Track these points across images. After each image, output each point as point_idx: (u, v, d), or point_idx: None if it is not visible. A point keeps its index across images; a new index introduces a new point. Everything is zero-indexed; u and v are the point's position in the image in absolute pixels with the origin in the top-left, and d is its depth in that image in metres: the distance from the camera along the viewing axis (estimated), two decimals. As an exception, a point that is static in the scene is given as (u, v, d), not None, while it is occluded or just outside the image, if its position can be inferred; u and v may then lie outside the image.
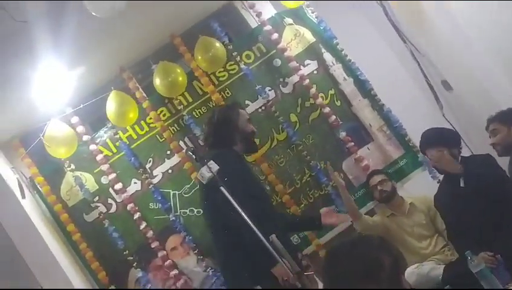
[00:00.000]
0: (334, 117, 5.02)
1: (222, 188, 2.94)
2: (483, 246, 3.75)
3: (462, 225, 3.92)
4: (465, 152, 4.43)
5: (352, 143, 5.01)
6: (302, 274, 2.94)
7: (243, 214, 2.89)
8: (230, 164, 3.26)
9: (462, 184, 3.90)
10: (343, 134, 5.02)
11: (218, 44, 4.87)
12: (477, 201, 3.82)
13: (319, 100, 5.02)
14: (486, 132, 4.08)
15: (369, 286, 1.61)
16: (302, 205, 4.96)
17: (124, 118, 4.86)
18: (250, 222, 2.88)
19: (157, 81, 4.80)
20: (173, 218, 4.90)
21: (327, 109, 5.03)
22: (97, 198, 4.98)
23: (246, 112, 3.75)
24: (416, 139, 4.63)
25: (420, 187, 4.85)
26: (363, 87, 5.15)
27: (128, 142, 5.04)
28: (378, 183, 4.64)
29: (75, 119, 4.98)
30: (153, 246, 4.88)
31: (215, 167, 3.02)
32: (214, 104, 4.98)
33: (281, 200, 4.89)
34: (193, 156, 3.14)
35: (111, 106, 4.80)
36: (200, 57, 4.88)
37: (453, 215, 4.03)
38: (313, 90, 5.05)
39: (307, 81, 5.05)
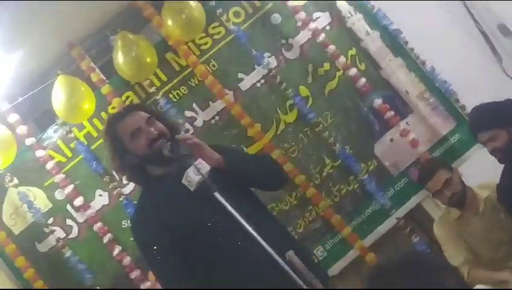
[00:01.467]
0: (363, 81, 4.81)
1: (216, 194, 2.74)
2: None
3: None
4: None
5: (392, 112, 4.82)
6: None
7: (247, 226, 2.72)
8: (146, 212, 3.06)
9: None
10: (378, 102, 4.81)
11: (192, 2, 4.68)
12: None
13: (341, 61, 4.83)
14: None
15: None
16: (328, 203, 4.74)
17: (78, 112, 4.65)
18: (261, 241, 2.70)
19: (119, 59, 4.59)
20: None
21: (352, 71, 4.81)
22: (51, 220, 4.75)
23: (132, 119, 3.19)
24: (471, 105, 4.26)
25: (481, 171, 4.48)
26: (395, 41, 4.97)
27: (86, 142, 4.82)
28: (444, 186, 4.16)
29: (13, 118, 4.77)
30: (132, 276, 4.65)
31: (205, 167, 2.83)
32: (197, 82, 4.82)
33: (298, 200, 4.74)
34: (172, 154, 2.93)
35: (58, 96, 4.59)
36: (170, 23, 4.67)
37: None
38: (330, 50, 4.86)
39: (321, 38, 4.86)
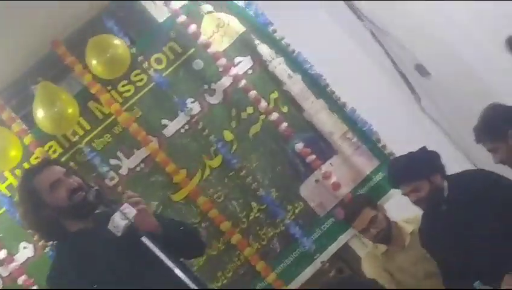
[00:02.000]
0: (285, 125, 4.85)
1: (144, 239, 2.78)
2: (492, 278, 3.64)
3: (461, 262, 3.82)
4: (457, 157, 4.63)
5: (314, 156, 4.84)
6: None
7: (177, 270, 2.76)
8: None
9: (453, 213, 3.85)
10: (299, 146, 4.83)
11: (117, 41, 4.74)
12: (477, 229, 3.75)
13: (262, 106, 4.86)
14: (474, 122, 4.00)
15: None
16: (254, 250, 4.72)
17: (4, 159, 4.61)
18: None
19: (38, 114, 4.57)
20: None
21: (274, 116, 4.85)
22: None
23: (50, 172, 3.15)
24: (392, 144, 4.65)
25: (405, 206, 4.46)
26: (316, 84, 5.03)
27: (9, 194, 4.72)
28: (370, 224, 4.34)
29: None
30: None
31: (131, 211, 2.88)
32: (121, 129, 4.81)
33: (226, 245, 4.71)
34: (97, 200, 3.00)
35: None
36: (94, 61, 4.67)
37: (448, 255, 3.92)
38: (252, 94, 4.90)
39: (242, 83, 4.90)
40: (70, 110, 4.60)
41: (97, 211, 3.13)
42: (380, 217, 4.35)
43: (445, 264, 3.94)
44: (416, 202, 3.90)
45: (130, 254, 2.93)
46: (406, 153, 4.00)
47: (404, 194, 3.92)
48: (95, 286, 2.85)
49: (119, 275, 3.00)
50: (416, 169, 3.87)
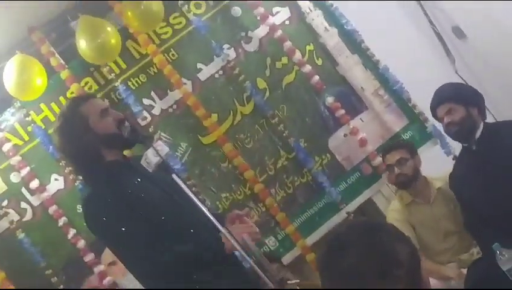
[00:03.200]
0: (316, 78, 4.88)
1: (174, 176, 2.86)
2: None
3: (485, 211, 3.84)
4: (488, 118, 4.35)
5: (343, 111, 4.89)
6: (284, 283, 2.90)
7: (204, 209, 2.84)
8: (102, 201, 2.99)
9: (483, 157, 3.88)
10: (330, 100, 4.88)
11: None
12: (505, 178, 3.77)
13: (296, 57, 4.89)
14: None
15: (384, 286, 1.59)
16: (279, 197, 4.80)
17: (29, 88, 4.60)
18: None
19: (82, 44, 4.56)
20: (109, 223, 4.53)
21: (307, 68, 4.89)
22: (6, 202, 4.74)
23: (97, 101, 3.26)
24: (422, 104, 4.63)
25: (432, 166, 4.63)
26: (352, 39, 5.07)
27: (44, 126, 4.80)
28: (396, 164, 4.36)
29: (-30, 99, 4.79)
30: (86, 260, 4.65)
31: (164, 149, 2.94)
32: (156, 70, 4.85)
33: (252, 191, 4.74)
34: (133, 137, 3.04)
35: (9, 74, 4.54)
36: (129, 13, 4.68)
37: (473, 198, 3.94)
38: (287, 45, 4.92)
39: (278, 33, 4.93)
40: (113, 41, 4.61)
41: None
42: (410, 163, 4.34)
43: (469, 208, 3.97)
44: (449, 126, 3.95)
45: (160, 187, 3.00)
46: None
47: (440, 118, 3.99)
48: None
49: (152, 203, 3.04)
50: (458, 92, 3.98)
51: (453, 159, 4.64)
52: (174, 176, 2.87)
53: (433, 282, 4.08)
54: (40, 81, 4.61)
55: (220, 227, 2.82)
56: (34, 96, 4.71)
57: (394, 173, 4.34)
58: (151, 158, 2.91)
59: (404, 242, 1.68)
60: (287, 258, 4.67)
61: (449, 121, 3.92)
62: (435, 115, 4.11)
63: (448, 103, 3.92)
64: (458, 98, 3.93)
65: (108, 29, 4.61)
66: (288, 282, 3.25)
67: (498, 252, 3.09)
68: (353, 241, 1.67)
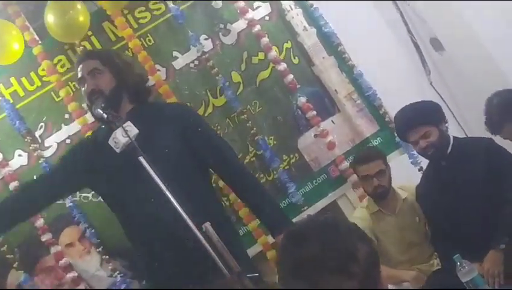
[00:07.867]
0: (291, 77, 4.92)
1: (141, 159, 2.84)
2: (476, 251, 3.76)
3: (451, 226, 3.97)
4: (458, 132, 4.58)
5: (314, 112, 4.92)
6: (243, 276, 2.72)
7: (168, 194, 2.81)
8: None
9: (452, 172, 3.99)
10: (302, 100, 4.90)
11: None
12: (470, 194, 3.90)
13: (272, 54, 4.92)
14: (483, 107, 4.05)
15: (340, 280, 1.62)
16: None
17: (6, 52, 4.60)
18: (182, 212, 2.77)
19: (49, 19, 4.58)
20: (70, 204, 4.65)
21: (282, 66, 4.92)
22: None
23: (81, 67, 3.40)
24: (394, 112, 4.49)
25: (398, 175, 4.65)
26: (329, 41, 5.09)
27: (12, 101, 4.78)
28: (376, 175, 4.35)
29: None
30: (43, 239, 4.62)
31: (133, 130, 2.95)
32: (131, 55, 4.80)
33: (216, 184, 4.64)
34: (104, 114, 3.06)
35: None
36: None
37: (439, 212, 4.06)
38: (264, 41, 4.95)
39: (257, 29, 4.95)
40: (81, 19, 4.60)
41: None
42: (387, 174, 4.37)
43: (435, 222, 4.06)
44: (426, 149, 3.98)
45: (125, 169, 3.04)
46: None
47: (413, 141, 4.00)
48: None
49: (113, 184, 3.22)
50: (426, 114, 4.01)
51: (419, 171, 4.67)
52: (141, 158, 2.87)
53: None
54: (17, 45, 4.60)
55: (181, 210, 2.80)
56: (10, 60, 4.68)
57: (373, 184, 4.32)
58: (119, 138, 2.92)
59: (365, 242, 1.72)
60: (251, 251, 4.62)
61: (426, 144, 3.95)
62: (404, 139, 4.15)
63: (421, 127, 3.95)
64: (430, 120, 3.98)
65: (78, 6, 4.59)
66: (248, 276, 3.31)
67: (459, 263, 3.20)
68: (314, 234, 1.70)
